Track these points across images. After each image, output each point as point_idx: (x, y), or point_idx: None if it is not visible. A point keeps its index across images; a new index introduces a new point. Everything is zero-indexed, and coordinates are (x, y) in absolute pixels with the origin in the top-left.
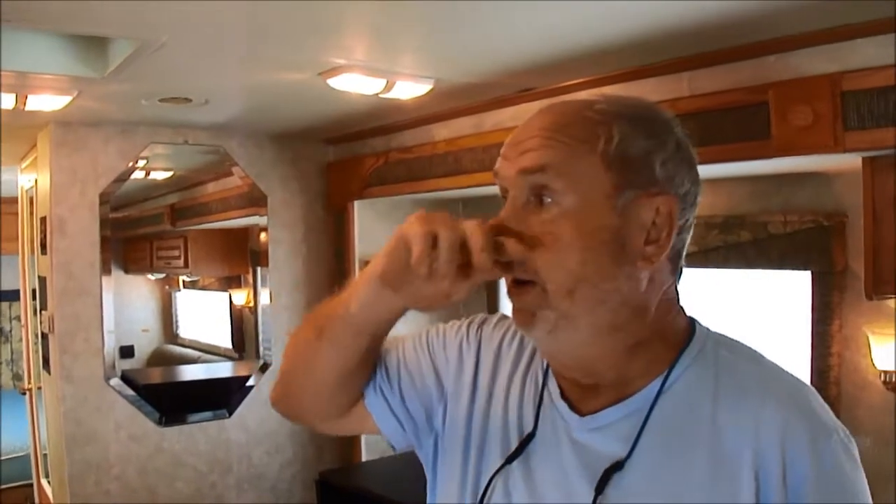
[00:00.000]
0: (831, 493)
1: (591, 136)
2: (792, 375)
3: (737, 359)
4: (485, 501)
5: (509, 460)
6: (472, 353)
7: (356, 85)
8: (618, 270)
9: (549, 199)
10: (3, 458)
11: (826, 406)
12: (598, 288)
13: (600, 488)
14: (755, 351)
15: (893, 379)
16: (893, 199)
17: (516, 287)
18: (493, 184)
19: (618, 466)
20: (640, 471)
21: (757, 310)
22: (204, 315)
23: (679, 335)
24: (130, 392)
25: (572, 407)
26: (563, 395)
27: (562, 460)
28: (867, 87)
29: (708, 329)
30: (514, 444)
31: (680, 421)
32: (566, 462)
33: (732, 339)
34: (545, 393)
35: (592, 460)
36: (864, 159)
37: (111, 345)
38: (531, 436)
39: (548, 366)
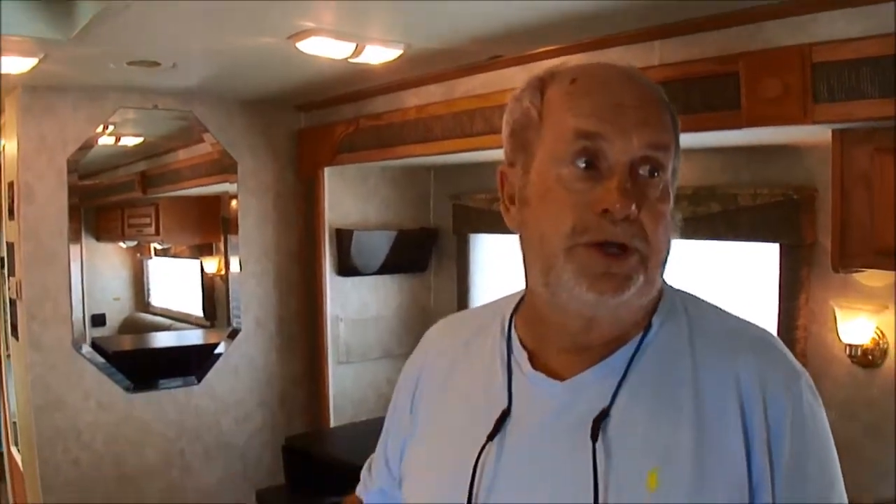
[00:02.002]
0: (806, 429)
1: (673, 121)
2: (756, 326)
3: (704, 313)
4: (474, 484)
5: (490, 438)
6: (414, 374)
7: (325, 49)
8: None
9: (657, 175)
10: None
11: (790, 352)
12: (667, 259)
13: (594, 436)
14: (716, 305)
15: (859, 353)
16: (862, 172)
17: (615, 253)
18: (464, 150)
19: (603, 415)
20: (627, 421)
21: (724, 282)
22: (175, 283)
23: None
24: (100, 359)
25: (550, 375)
26: (537, 365)
27: (546, 427)
28: (837, 59)
29: (672, 287)
30: (486, 425)
31: (660, 375)
32: (551, 428)
33: (694, 295)
34: (513, 367)
35: (577, 419)
36: (833, 132)
37: (80, 312)
38: (506, 412)
39: (509, 340)
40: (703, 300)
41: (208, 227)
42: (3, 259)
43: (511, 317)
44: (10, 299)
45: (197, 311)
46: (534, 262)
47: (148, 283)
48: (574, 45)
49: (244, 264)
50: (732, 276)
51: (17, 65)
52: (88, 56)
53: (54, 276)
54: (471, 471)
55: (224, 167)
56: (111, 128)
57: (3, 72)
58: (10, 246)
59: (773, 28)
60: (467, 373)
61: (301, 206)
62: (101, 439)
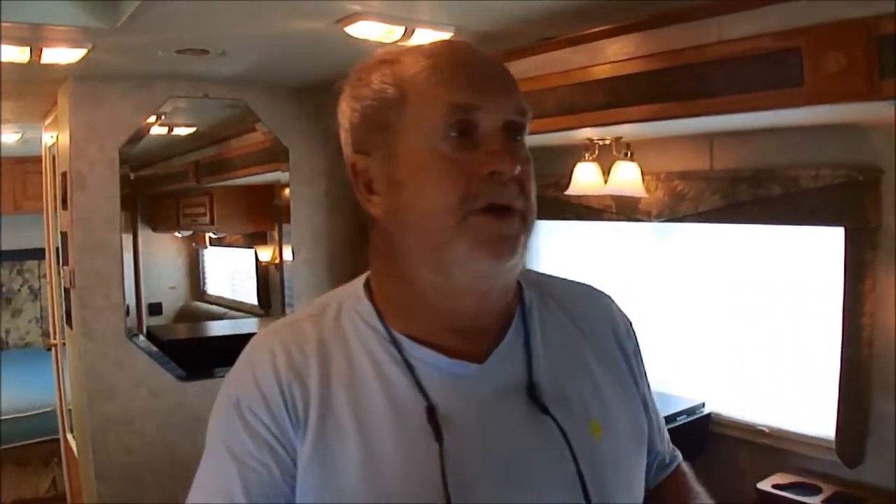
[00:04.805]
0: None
1: None
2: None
3: (546, 279)
4: (449, 485)
5: (439, 441)
6: (276, 400)
7: (374, 32)
8: None
9: (519, 138)
10: (31, 413)
11: None
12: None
13: (544, 408)
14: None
15: None
16: None
17: (503, 213)
18: None
19: (534, 389)
20: (551, 385)
21: (787, 267)
22: (230, 272)
23: None
24: (153, 348)
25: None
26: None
27: (486, 412)
28: None
29: None
30: (413, 430)
31: (553, 335)
32: (491, 411)
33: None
34: (413, 365)
35: (510, 396)
36: None
37: (134, 301)
38: (432, 408)
39: (394, 342)
40: (532, 270)
41: (262, 215)
42: (57, 249)
43: (377, 313)
44: (65, 288)
45: (252, 299)
46: (417, 247)
47: (203, 272)
48: (628, 24)
49: (296, 252)
50: (795, 262)
51: (67, 55)
52: (136, 45)
53: (106, 265)
54: (439, 479)
55: (276, 155)
56: (163, 118)
57: (53, 62)
58: (64, 235)
59: (835, 1)
60: (353, 382)
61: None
62: (153, 427)
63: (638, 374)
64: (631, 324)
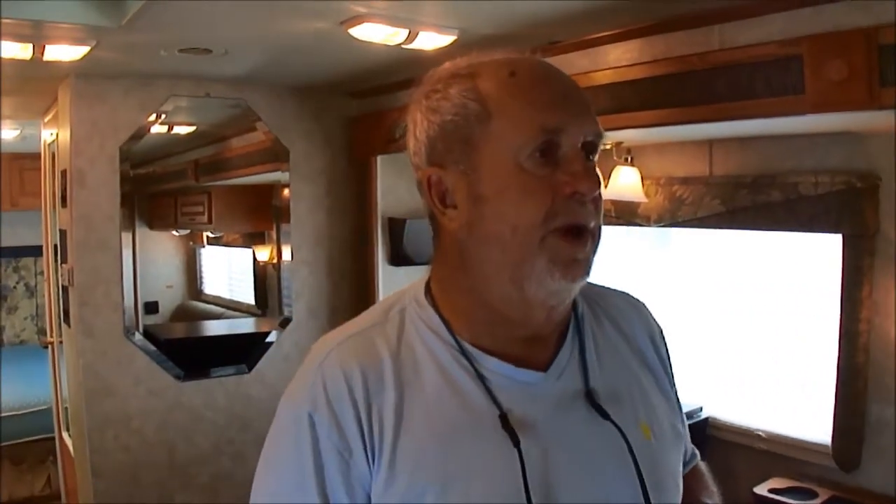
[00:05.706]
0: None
1: None
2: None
3: (586, 285)
4: (529, 485)
5: (517, 445)
6: (348, 413)
7: (378, 34)
8: None
9: (592, 158)
10: (26, 411)
11: None
12: None
13: (604, 413)
14: None
15: None
16: None
17: (579, 236)
18: None
19: (593, 394)
20: (605, 389)
21: (785, 273)
22: (228, 271)
23: None
24: (151, 347)
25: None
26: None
27: (554, 417)
28: None
29: None
30: (486, 436)
31: (602, 341)
32: (557, 417)
33: None
34: (484, 375)
35: (571, 402)
36: None
37: (132, 299)
38: (505, 416)
39: (463, 353)
40: None
41: (260, 215)
42: (56, 246)
43: (446, 323)
44: (63, 286)
45: (249, 299)
46: (494, 259)
47: (200, 272)
48: (632, 29)
49: (296, 252)
50: (793, 267)
51: (70, 53)
52: (139, 43)
53: (106, 263)
54: (520, 483)
55: (276, 155)
56: (163, 116)
57: (55, 59)
58: (63, 233)
59: (838, 9)
60: (426, 395)
61: (353, 194)
62: (152, 426)
63: (672, 378)
64: (662, 329)
